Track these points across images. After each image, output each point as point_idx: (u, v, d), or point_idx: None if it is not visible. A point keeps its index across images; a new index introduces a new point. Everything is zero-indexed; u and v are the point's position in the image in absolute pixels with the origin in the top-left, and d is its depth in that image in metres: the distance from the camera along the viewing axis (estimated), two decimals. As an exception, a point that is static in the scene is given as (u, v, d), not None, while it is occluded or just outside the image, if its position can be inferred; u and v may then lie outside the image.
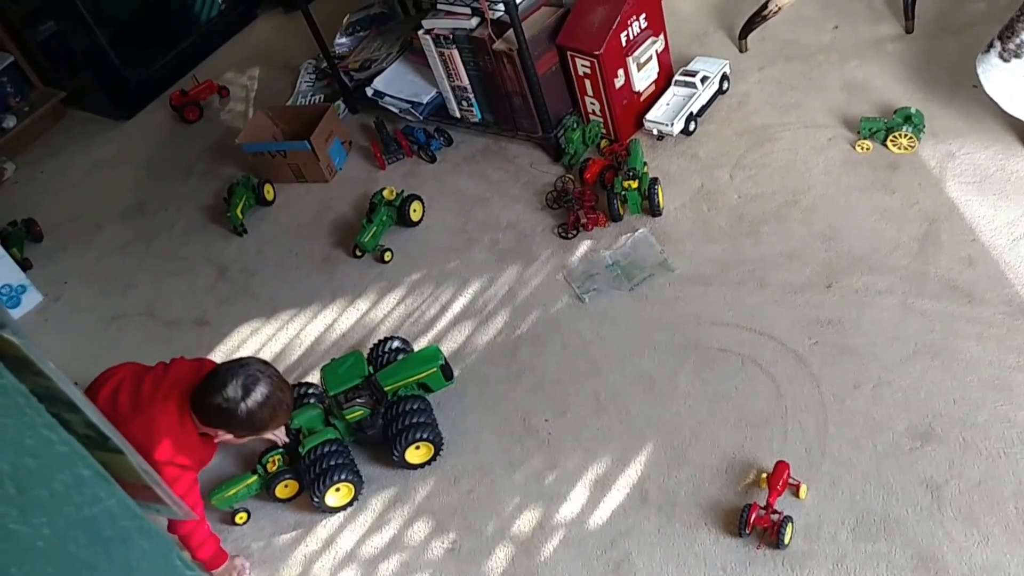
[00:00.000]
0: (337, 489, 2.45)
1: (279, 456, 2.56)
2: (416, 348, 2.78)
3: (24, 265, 3.68)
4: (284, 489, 2.54)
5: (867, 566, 1.98)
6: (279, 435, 2.55)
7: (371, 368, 2.64)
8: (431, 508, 2.43)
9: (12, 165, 4.48)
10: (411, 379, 2.55)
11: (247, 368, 2.10)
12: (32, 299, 3.60)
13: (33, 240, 3.90)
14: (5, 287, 3.51)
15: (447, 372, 2.58)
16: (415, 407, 2.51)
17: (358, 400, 2.53)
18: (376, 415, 2.53)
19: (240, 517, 2.55)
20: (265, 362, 2.19)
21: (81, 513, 0.63)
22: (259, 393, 2.08)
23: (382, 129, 3.54)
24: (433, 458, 2.51)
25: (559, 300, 2.80)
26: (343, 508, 2.50)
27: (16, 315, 3.54)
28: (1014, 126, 2.71)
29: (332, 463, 2.44)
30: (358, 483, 2.48)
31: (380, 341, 2.74)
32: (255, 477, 2.54)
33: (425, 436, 2.45)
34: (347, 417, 2.53)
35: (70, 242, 3.89)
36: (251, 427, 2.14)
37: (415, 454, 2.48)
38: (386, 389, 2.53)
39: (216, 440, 2.21)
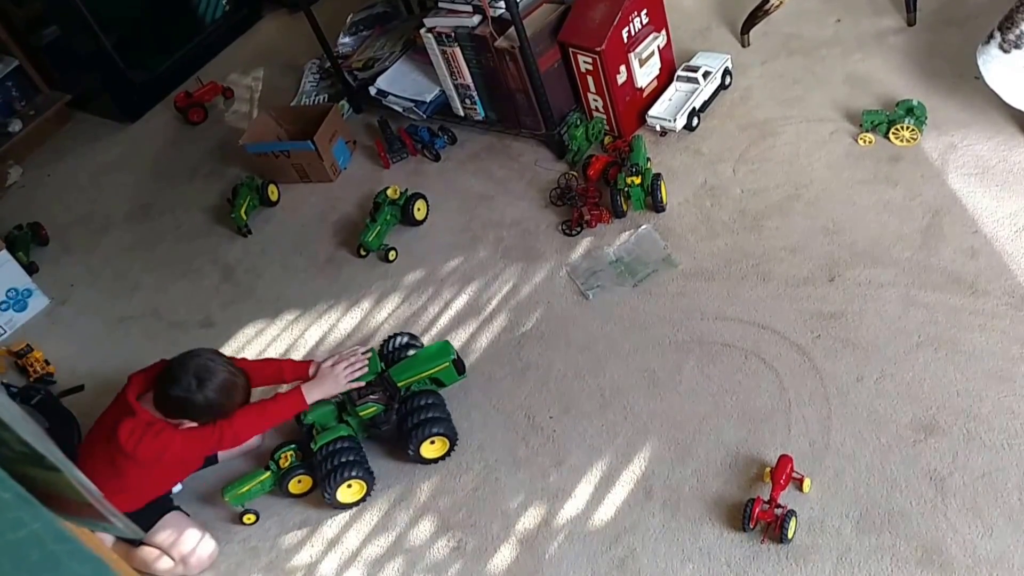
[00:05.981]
0: (349, 485, 2.46)
1: (292, 452, 2.57)
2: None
3: (30, 269, 3.70)
4: (297, 485, 2.55)
5: (871, 559, 1.98)
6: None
7: (383, 364, 2.65)
8: (436, 506, 2.44)
9: (18, 169, 4.51)
10: (424, 374, 2.55)
11: (198, 359, 2.29)
12: (39, 303, 3.61)
13: (39, 244, 3.91)
14: (11, 291, 3.53)
15: (459, 366, 2.59)
16: (429, 402, 2.52)
17: (371, 396, 2.53)
18: (390, 411, 2.54)
19: (248, 518, 2.56)
20: (214, 351, 2.39)
21: (4, 539, 0.59)
22: (213, 381, 2.27)
23: (386, 128, 3.55)
24: (448, 452, 2.52)
25: (563, 297, 2.81)
26: (354, 504, 2.51)
27: (23, 319, 3.57)
28: (1016, 117, 2.71)
29: (344, 459, 2.45)
30: (370, 480, 2.48)
31: (389, 337, 2.74)
32: (268, 473, 2.54)
33: (440, 431, 2.46)
34: (361, 413, 2.53)
35: (76, 245, 3.91)
36: (211, 413, 2.32)
37: (430, 449, 2.50)
38: (400, 384, 2.54)
39: (181, 429, 2.32)
